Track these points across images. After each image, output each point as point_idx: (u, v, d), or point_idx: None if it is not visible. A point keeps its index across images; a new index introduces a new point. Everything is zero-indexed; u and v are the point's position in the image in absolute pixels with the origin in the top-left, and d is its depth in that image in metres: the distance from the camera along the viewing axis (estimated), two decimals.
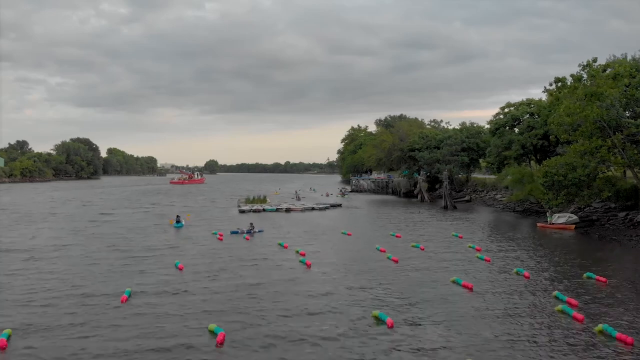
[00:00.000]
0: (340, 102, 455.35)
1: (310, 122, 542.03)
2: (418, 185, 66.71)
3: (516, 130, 49.68)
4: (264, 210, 49.68)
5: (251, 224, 33.08)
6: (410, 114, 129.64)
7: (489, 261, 22.61)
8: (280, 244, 27.45)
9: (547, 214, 37.42)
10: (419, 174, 74.20)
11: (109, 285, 17.95)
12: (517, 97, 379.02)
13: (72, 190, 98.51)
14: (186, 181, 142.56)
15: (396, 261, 22.45)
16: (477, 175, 76.60)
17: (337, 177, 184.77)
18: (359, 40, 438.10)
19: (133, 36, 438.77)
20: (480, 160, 71.58)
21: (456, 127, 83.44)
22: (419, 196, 65.58)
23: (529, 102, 51.83)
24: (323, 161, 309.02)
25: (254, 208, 49.99)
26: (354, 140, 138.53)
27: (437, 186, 78.17)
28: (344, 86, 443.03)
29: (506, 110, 52.17)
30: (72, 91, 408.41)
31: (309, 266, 21.48)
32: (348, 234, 31.89)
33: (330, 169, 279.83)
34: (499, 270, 20.96)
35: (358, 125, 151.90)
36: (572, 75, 35.48)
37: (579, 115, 31.76)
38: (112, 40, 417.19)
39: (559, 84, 35.90)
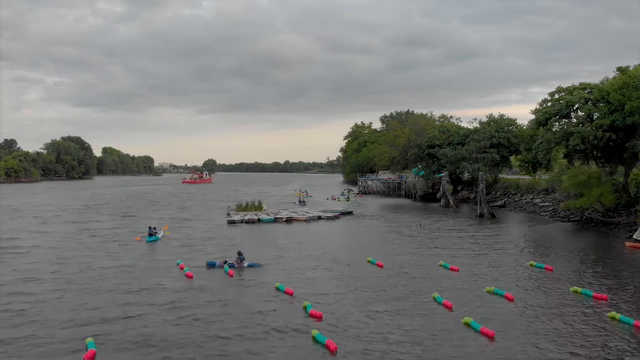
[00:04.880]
0: (339, 101, 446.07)
1: (310, 121, 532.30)
2: (441, 188, 56.81)
3: (573, 119, 39.85)
4: (259, 220, 39.82)
5: (239, 253, 22.39)
6: (414, 111, 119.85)
7: None
8: (279, 289, 17.70)
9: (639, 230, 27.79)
10: (437, 174, 64.58)
11: None
12: (517, 95, 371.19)
13: (51, 193, 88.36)
14: (197, 180, 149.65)
15: (491, 336, 12.61)
16: (504, 176, 66.76)
17: (339, 177, 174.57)
18: (357, 38, 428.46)
19: (130, 35, 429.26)
20: (511, 158, 61.63)
21: (465, 124, 74.16)
22: (443, 200, 55.75)
23: (583, 87, 41.90)
24: (323, 160, 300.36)
25: (246, 218, 39.97)
26: (358, 137, 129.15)
27: (458, 188, 68.65)
28: (343, 85, 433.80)
29: (556, 96, 42.24)
30: (70, 90, 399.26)
31: (333, 352, 11.74)
32: (378, 265, 22.01)
33: (331, 168, 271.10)
34: None
35: (362, 122, 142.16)
36: None
37: None
38: (109, 39, 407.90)
39: None
